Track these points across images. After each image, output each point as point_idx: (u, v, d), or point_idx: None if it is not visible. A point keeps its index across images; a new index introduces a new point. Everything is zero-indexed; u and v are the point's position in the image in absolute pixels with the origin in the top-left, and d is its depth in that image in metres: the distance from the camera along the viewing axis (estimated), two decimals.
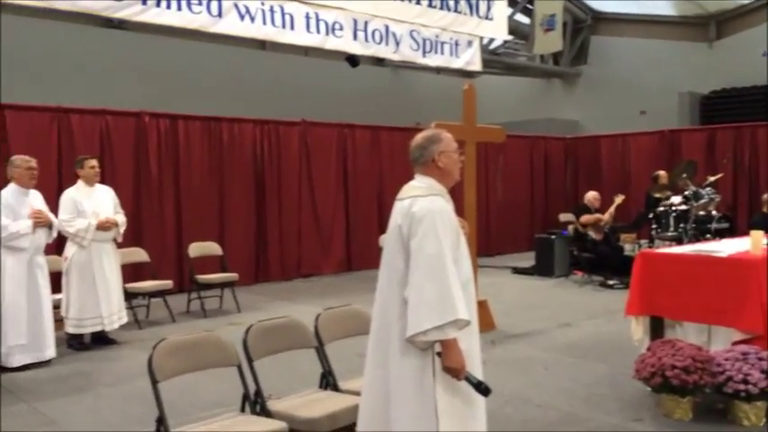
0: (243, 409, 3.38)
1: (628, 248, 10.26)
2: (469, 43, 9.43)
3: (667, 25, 15.14)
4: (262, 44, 11.91)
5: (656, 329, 4.71)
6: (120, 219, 6.48)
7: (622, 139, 13.64)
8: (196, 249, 8.16)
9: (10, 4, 7.21)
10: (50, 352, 5.71)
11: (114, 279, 6.39)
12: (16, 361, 5.48)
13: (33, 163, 5.84)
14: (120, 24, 10.14)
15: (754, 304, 4.17)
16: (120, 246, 6.68)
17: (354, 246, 10.95)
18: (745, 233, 5.89)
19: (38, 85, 8.95)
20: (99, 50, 9.79)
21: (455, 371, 2.61)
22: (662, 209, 9.68)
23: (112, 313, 6.29)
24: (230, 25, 7.41)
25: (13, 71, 8.99)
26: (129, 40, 10.24)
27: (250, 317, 7.11)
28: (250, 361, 3.40)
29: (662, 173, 10.41)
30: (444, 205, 2.76)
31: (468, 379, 2.64)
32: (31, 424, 4.35)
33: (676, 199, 9.67)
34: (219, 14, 7.27)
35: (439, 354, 2.64)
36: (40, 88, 8.76)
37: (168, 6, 6.93)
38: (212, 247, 8.40)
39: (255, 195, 9.96)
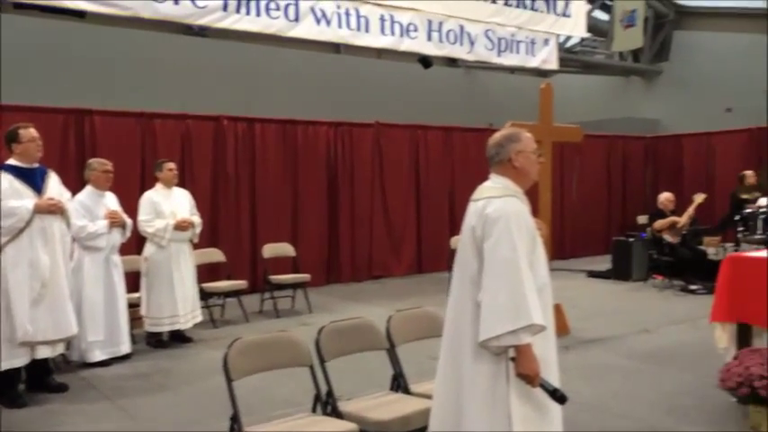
0: (314, 410, 3.41)
1: (711, 252, 9.79)
2: (546, 41, 9.23)
3: (755, 18, 14.35)
4: (336, 47, 12.03)
5: (744, 337, 4.47)
6: (197, 220, 6.69)
7: (707, 138, 13.02)
8: (270, 250, 8.32)
9: (96, 14, 7.54)
10: (125, 347, 5.89)
11: (190, 279, 6.58)
12: (95, 356, 5.67)
13: (109, 166, 6.02)
14: (200, 31, 10.46)
15: None
16: (196, 246, 6.89)
17: (425, 248, 10.92)
18: None
19: (124, 91, 9.33)
20: (179, 57, 10.11)
21: (529, 377, 2.55)
22: (749, 211, 9.19)
23: (188, 312, 6.47)
24: (307, 29, 7.51)
25: (101, 78, 9.41)
26: (207, 46, 10.54)
27: (321, 317, 7.19)
28: (322, 361, 3.42)
29: (749, 173, 9.95)
30: (520, 207, 2.70)
31: (543, 386, 2.58)
32: (113, 420, 4.49)
33: (764, 200, 9.16)
34: (296, 19, 7.38)
35: (513, 359, 2.58)
36: (125, 94, 9.13)
37: (248, 12, 7.09)
38: (285, 248, 8.55)
39: (328, 197, 10.07)
